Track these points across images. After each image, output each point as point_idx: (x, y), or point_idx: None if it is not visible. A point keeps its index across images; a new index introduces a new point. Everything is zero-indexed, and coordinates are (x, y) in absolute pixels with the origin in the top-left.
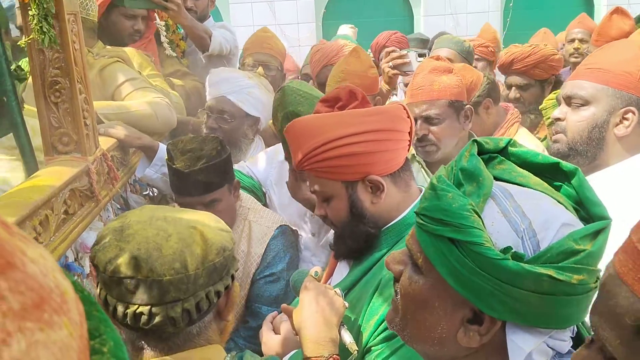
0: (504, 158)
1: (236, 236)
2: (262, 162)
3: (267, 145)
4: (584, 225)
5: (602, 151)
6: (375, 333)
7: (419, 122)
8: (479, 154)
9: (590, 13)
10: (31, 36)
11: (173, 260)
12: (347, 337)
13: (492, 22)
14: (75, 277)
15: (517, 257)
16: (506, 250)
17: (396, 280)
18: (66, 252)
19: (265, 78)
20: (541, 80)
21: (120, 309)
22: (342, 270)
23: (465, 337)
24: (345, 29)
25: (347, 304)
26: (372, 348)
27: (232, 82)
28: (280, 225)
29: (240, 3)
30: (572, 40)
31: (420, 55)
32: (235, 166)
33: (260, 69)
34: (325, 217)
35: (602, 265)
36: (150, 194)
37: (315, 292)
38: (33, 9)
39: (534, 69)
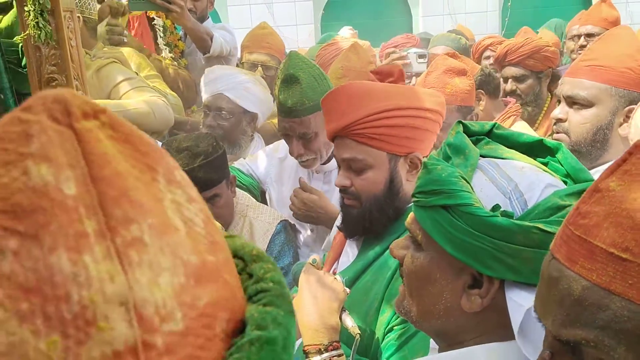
0: (490, 139)
1: (236, 234)
2: (262, 159)
3: (267, 143)
4: None
5: (606, 152)
6: (397, 314)
7: None
8: (469, 136)
9: None
10: (27, 32)
11: None
12: (349, 322)
13: (490, 22)
14: None
15: (507, 215)
16: (495, 208)
17: (401, 265)
18: None
19: (264, 78)
20: (537, 71)
21: None
22: (349, 254)
23: (467, 302)
24: (346, 31)
25: (348, 290)
26: (395, 328)
27: (228, 78)
28: (281, 221)
29: (239, 5)
30: (573, 38)
31: (420, 57)
32: (235, 164)
33: (259, 70)
34: (347, 190)
35: None
36: None
37: (314, 278)
38: (29, 5)
39: (529, 59)
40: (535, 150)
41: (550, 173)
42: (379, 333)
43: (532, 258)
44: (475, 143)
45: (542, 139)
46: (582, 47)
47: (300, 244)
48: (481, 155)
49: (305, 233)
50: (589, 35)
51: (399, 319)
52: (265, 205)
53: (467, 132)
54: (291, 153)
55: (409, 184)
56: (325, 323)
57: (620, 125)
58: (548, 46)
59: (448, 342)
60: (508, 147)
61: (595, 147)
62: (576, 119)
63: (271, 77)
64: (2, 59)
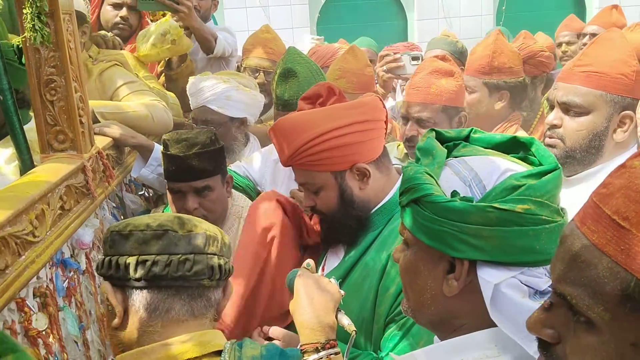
0: (467, 143)
1: (232, 235)
2: (257, 162)
3: (263, 145)
4: None
5: (600, 157)
6: (395, 304)
7: (410, 122)
8: (445, 142)
9: (582, 15)
10: (25, 34)
11: (208, 226)
12: (345, 320)
13: (485, 25)
14: (72, 273)
15: (466, 199)
16: (453, 194)
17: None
18: (62, 247)
19: (266, 84)
20: (532, 76)
21: (162, 259)
22: (337, 255)
23: (447, 287)
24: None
25: (343, 292)
26: (396, 318)
27: (209, 90)
28: None
29: (235, 8)
30: (560, 44)
31: (414, 59)
32: (232, 166)
33: (261, 75)
34: (314, 208)
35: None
36: (146, 194)
37: (310, 281)
38: (27, 7)
39: (524, 64)
40: (511, 147)
41: (520, 164)
42: (378, 325)
43: (493, 236)
44: (453, 147)
45: (515, 136)
46: (585, 45)
47: None
48: (457, 156)
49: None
50: (594, 36)
51: (397, 309)
52: None
53: (443, 138)
54: None
55: (364, 192)
56: (321, 322)
57: (615, 131)
58: (543, 51)
59: (445, 331)
60: (485, 148)
61: (590, 152)
62: (572, 126)
63: (271, 82)
64: (1, 60)
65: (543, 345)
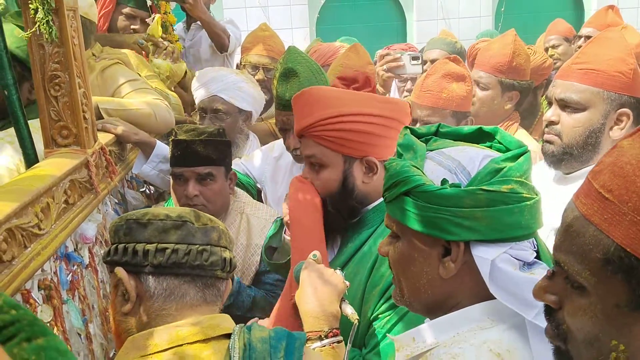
0: (436, 137)
1: (234, 230)
2: (258, 159)
3: (263, 143)
4: None
5: (597, 154)
6: (380, 302)
7: (418, 124)
8: (418, 138)
9: (581, 16)
10: (33, 29)
11: (219, 222)
12: (349, 309)
13: (484, 26)
14: (75, 267)
15: (454, 186)
16: (443, 182)
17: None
18: (66, 241)
19: (265, 81)
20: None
21: (182, 247)
22: (332, 250)
23: (443, 269)
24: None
25: (348, 283)
26: (380, 316)
27: (221, 80)
28: (277, 218)
29: (235, 8)
30: (547, 49)
31: (414, 59)
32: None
33: (260, 72)
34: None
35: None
36: (147, 191)
37: (315, 271)
38: (35, 3)
39: None
40: (477, 138)
41: (491, 151)
42: (363, 322)
43: (485, 216)
44: (425, 142)
45: (480, 127)
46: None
47: None
48: (431, 150)
49: None
50: (590, 38)
51: (382, 307)
52: (262, 203)
53: (416, 134)
54: (287, 147)
55: (365, 186)
56: (325, 311)
57: (612, 128)
58: (544, 63)
59: (440, 313)
60: (454, 140)
61: (586, 149)
62: (569, 122)
63: (270, 80)
64: (6, 55)
65: (547, 310)
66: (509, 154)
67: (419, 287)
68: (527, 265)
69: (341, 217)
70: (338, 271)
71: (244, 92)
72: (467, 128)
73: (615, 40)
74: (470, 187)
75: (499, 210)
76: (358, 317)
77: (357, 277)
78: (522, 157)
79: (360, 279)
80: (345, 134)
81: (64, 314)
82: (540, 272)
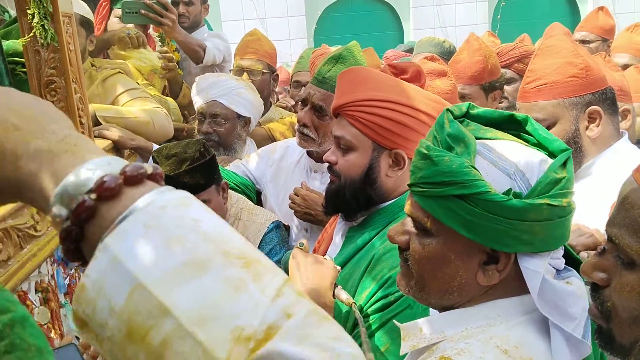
0: (469, 120)
1: None
2: (258, 160)
3: (259, 147)
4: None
5: (586, 155)
6: (367, 306)
7: None
8: None
9: (577, 20)
10: (31, 34)
11: None
12: (344, 295)
13: (480, 34)
14: (72, 271)
15: (517, 195)
16: (508, 192)
17: (403, 249)
18: None
19: (252, 83)
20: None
21: None
22: (335, 247)
23: (485, 277)
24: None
25: (339, 268)
26: (369, 317)
27: (221, 85)
28: (274, 221)
29: (232, 20)
30: None
31: None
32: (231, 165)
33: (244, 76)
34: (332, 167)
35: None
36: None
37: (303, 260)
38: (32, 8)
39: (518, 63)
40: (506, 124)
41: (528, 146)
42: (349, 323)
43: (542, 230)
44: None
45: (512, 114)
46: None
47: (293, 244)
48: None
49: (299, 233)
50: (584, 42)
51: (372, 307)
52: (260, 207)
53: (453, 117)
54: (299, 119)
55: (389, 180)
56: (317, 302)
57: (587, 128)
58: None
59: (454, 309)
60: (485, 124)
61: (573, 155)
62: None
63: (258, 82)
64: (3, 62)
65: (593, 287)
66: (560, 159)
67: (447, 289)
68: (557, 272)
69: (356, 203)
70: (327, 257)
71: (243, 98)
72: (497, 113)
73: (557, 47)
74: (537, 201)
75: (554, 224)
76: (354, 301)
77: (352, 277)
78: (568, 162)
79: (354, 280)
80: (382, 121)
81: (61, 317)
82: (576, 281)
